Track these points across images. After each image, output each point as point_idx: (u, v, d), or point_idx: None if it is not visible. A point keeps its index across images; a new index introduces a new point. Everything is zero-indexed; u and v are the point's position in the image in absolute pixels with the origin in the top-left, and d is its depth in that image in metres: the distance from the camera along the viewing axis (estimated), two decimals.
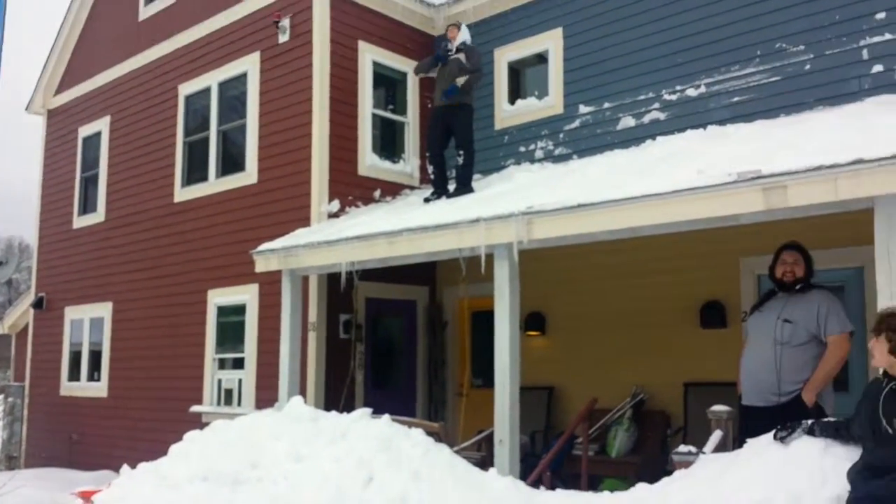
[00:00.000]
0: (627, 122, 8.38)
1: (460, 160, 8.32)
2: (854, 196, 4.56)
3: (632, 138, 8.18)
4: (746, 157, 5.51)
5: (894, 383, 3.74)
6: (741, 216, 5.11)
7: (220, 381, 9.54)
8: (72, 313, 12.18)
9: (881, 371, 3.90)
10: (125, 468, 6.03)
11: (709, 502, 3.92)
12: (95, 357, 11.63)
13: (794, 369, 5.12)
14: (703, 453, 4.81)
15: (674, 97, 8.08)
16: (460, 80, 8.15)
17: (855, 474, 3.77)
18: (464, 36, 8.38)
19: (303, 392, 7.78)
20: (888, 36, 6.84)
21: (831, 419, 4.38)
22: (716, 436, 5.05)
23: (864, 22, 6.96)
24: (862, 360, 6.17)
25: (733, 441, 5.20)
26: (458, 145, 8.33)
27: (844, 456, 3.94)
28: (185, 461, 5.79)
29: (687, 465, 4.70)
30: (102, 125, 12.05)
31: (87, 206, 12.23)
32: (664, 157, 6.81)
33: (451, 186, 8.33)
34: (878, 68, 6.87)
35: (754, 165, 5.02)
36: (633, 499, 4.57)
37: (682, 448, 5.01)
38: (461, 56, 8.25)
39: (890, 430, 3.63)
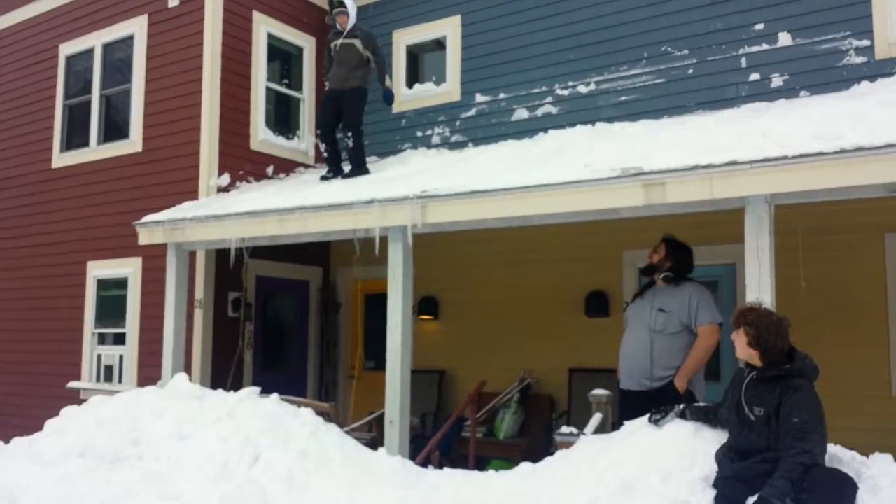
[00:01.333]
0: (521, 113, 8.59)
1: (349, 142, 8.30)
2: (727, 195, 4.86)
3: (525, 130, 8.38)
4: (630, 154, 5.77)
5: (755, 373, 4.05)
6: (622, 210, 5.36)
7: (99, 357, 9.16)
8: None
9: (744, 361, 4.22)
10: None
11: (587, 479, 4.14)
12: None
13: (667, 356, 5.44)
14: (584, 434, 5.04)
15: (566, 92, 8.34)
16: (388, 82, 8.24)
17: (722, 456, 4.07)
18: (352, 17, 8.11)
19: (188, 371, 7.58)
20: (765, 46, 7.30)
21: (701, 404, 4.71)
22: (596, 418, 5.30)
23: (744, 32, 7.40)
24: (733, 351, 6.63)
25: (612, 423, 5.48)
26: (344, 126, 8.26)
27: (713, 439, 4.23)
28: (61, 437, 5.57)
29: (568, 445, 4.92)
30: None
31: None
32: (554, 149, 7.03)
33: (346, 167, 8.29)
34: (754, 76, 7.33)
35: (637, 162, 5.28)
36: (517, 477, 4.75)
37: (565, 429, 5.25)
38: (356, 42, 8.03)
39: (752, 417, 3.94)
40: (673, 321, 5.48)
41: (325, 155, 8.46)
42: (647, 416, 4.63)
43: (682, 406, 4.57)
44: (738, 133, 5.58)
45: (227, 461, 5.04)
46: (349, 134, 8.25)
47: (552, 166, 6.04)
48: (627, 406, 5.48)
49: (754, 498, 3.69)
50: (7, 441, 5.80)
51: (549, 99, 8.41)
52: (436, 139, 9.14)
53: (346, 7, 8.06)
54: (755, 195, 4.82)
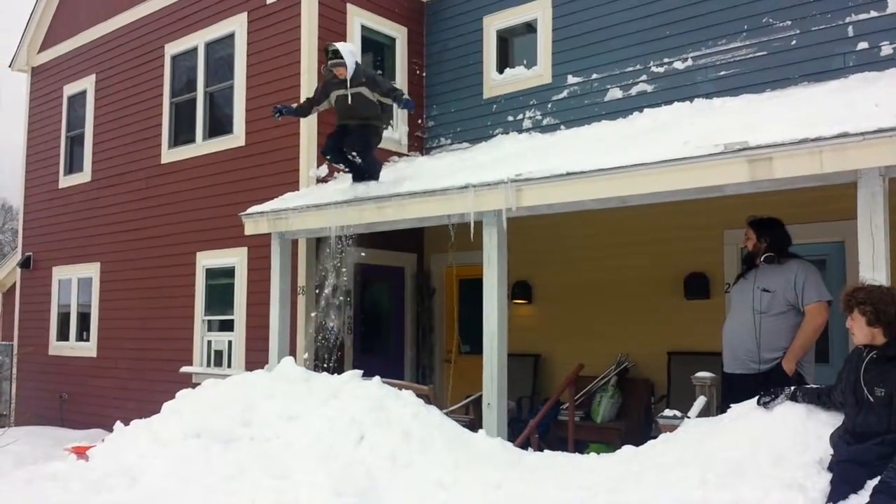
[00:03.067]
0: (615, 93, 8.45)
1: (357, 160, 7.46)
2: (838, 169, 4.66)
3: (619, 110, 8.25)
4: (733, 129, 5.59)
5: (875, 352, 3.88)
6: (726, 187, 5.21)
7: (209, 343, 9.59)
8: (59, 273, 12.13)
9: None
10: (118, 425, 6.06)
11: (693, 462, 4.08)
12: (84, 316, 11.62)
13: (774, 338, 5.27)
14: (688, 417, 4.96)
15: (661, 70, 8.15)
16: (403, 97, 7.30)
17: (837, 438, 3.92)
18: (351, 64, 7.21)
19: (293, 355, 7.86)
20: (873, 13, 6.93)
21: (813, 386, 4.54)
22: (700, 401, 5.20)
23: None
24: (842, 331, 6.38)
25: (716, 407, 5.37)
26: (350, 147, 7.37)
27: (827, 421, 4.08)
28: (177, 418, 5.85)
29: (672, 428, 4.85)
30: (88, 84, 11.90)
31: (73, 165, 12.11)
32: (651, 128, 6.90)
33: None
34: (862, 45, 6.98)
35: (740, 138, 5.12)
36: (620, 459, 4.71)
37: (668, 412, 5.17)
38: (364, 90, 7.23)
39: (871, 398, 3.78)
40: (778, 301, 5.31)
41: (348, 169, 7.77)
42: (756, 398, 4.50)
43: (792, 388, 4.43)
44: (848, 104, 5.33)
45: (334, 441, 5.20)
46: (353, 154, 7.39)
47: (650, 145, 5.93)
48: (732, 390, 5.34)
49: (874, 481, 3.55)
50: (127, 422, 6.14)
51: (644, 77, 8.23)
52: (527, 123, 9.09)
53: (342, 58, 7.19)
54: (868, 168, 4.61)
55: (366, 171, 7.62)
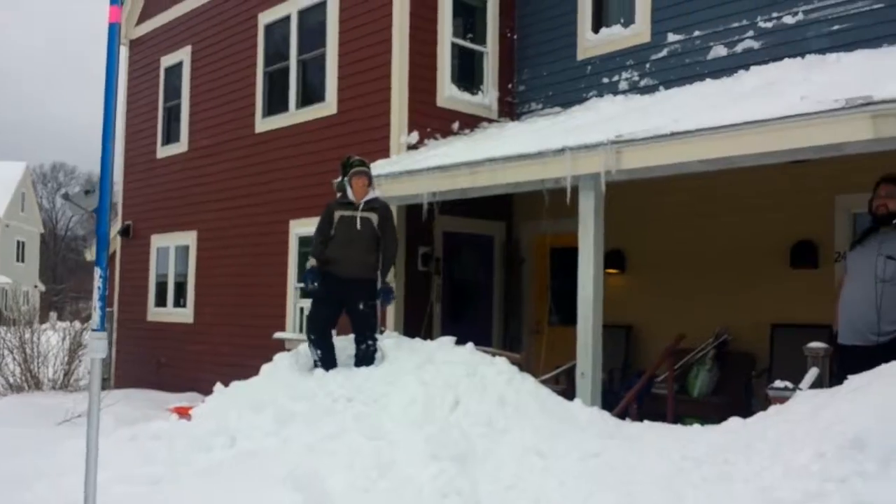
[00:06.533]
0: (719, 51, 8.02)
1: (362, 348, 6.20)
2: None
3: (723, 68, 7.83)
4: (851, 85, 5.24)
5: None
6: (847, 145, 4.90)
7: (301, 310, 9.71)
8: (158, 241, 12.52)
9: None
10: (218, 386, 6.18)
11: (808, 434, 3.84)
12: (181, 283, 11.97)
13: None
14: (800, 389, 4.71)
15: (769, 25, 7.67)
16: (390, 276, 6.41)
17: None
18: (372, 183, 6.49)
19: (383, 322, 7.87)
20: None
21: None
22: (812, 373, 4.94)
23: None
24: None
25: (828, 380, 5.09)
26: (362, 333, 6.23)
27: None
28: (275, 381, 5.96)
29: (783, 400, 4.61)
30: (184, 55, 12.15)
31: (171, 135, 12.42)
32: (760, 86, 6.54)
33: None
34: None
35: (863, 92, 4.79)
36: (726, 430, 4.51)
37: (779, 383, 4.91)
38: (373, 217, 6.30)
39: None
40: None
41: (318, 361, 6.23)
42: (876, 370, 4.21)
43: None
44: None
45: (430, 404, 5.18)
46: (368, 343, 6.16)
47: (761, 102, 5.60)
48: (847, 362, 5.05)
49: None
50: (226, 384, 6.24)
51: (751, 33, 7.77)
52: (623, 85, 8.76)
53: (367, 167, 6.49)
54: None
55: (364, 357, 6.15)
